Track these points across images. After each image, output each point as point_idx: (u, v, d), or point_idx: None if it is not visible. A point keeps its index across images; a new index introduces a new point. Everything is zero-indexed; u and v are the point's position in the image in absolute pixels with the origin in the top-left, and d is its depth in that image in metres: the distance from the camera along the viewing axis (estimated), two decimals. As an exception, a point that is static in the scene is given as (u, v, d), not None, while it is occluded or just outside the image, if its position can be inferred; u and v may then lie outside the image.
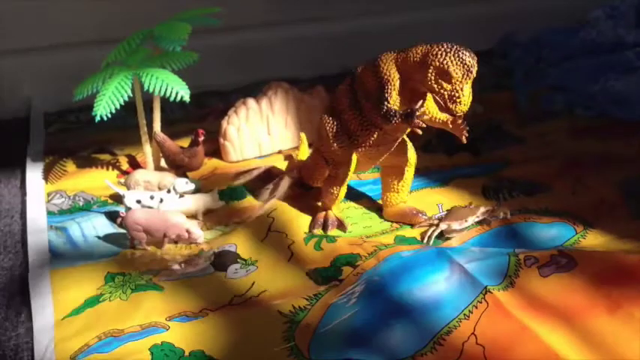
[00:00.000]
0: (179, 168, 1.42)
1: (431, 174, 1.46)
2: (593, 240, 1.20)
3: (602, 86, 1.75)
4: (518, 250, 1.14)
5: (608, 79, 1.76)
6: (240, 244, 1.24)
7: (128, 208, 1.30)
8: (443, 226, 1.25)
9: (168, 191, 1.33)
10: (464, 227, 1.25)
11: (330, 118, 1.25)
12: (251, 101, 1.56)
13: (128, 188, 1.38)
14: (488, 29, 2.06)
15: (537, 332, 0.97)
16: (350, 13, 2.00)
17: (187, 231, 1.24)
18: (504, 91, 1.84)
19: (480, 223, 1.27)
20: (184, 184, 1.32)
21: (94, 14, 1.85)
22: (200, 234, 1.25)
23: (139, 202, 1.32)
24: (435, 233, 1.24)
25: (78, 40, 1.85)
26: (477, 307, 1.02)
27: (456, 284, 1.07)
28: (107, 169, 1.54)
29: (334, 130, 1.24)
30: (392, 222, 1.31)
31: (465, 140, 1.17)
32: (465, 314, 1.01)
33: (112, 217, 1.35)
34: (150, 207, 1.31)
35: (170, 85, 1.31)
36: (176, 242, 1.26)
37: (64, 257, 1.24)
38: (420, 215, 1.30)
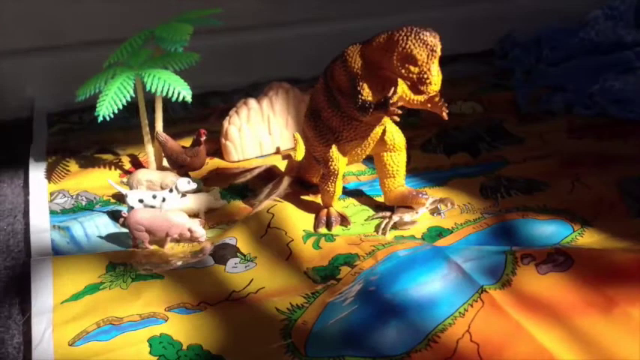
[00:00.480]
0: (181, 167, 1.43)
1: (430, 174, 1.47)
2: (590, 238, 1.21)
3: (602, 86, 1.75)
4: (515, 247, 1.14)
5: (608, 79, 1.76)
6: (239, 238, 1.25)
7: (131, 208, 1.31)
8: (395, 218, 1.28)
9: (171, 190, 1.34)
10: (415, 218, 1.28)
11: (312, 119, 1.26)
12: (252, 101, 1.57)
13: (131, 188, 1.38)
14: (488, 29, 2.06)
15: (532, 332, 0.97)
16: (350, 13, 2.00)
17: (189, 230, 1.25)
18: (504, 91, 1.85)
19: (431, 213, 1.30)
20: (186, 184, 1.33)
21: (96, 15, 1.85)
22: (202, 233, 1.26)
23: (141, 201, 1.33)
24: (389, 225, 1.27)
25: (80, 41, 1.86)
26: (472, 306, 1.02)
27: (452, 283, 1.07)
28: (109, 168, 1.55)
29: (317, 130, 1.26)
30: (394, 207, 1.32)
31: (445, 117, 1.18)
32: (460, 312, 1.02)
33: (115, 216, 1.36)
34: (152, 206, 1.32)
35: (172, 85, 1.32)
36: (178, 241, 1.27)
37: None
38: (421, 196, 1.30)
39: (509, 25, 2.07)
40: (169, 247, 1.26)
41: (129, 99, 1.33)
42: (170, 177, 1.40)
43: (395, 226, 1.28)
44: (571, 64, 1.88)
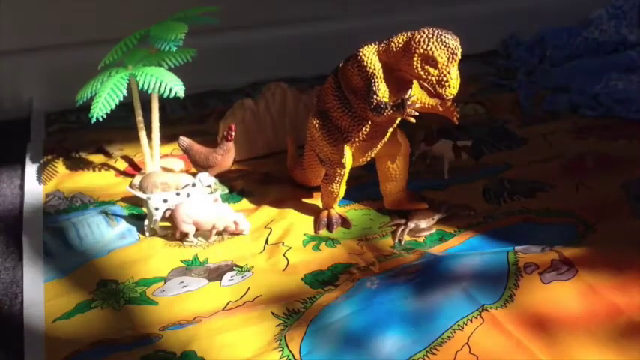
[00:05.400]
0: (211, 168, 1.40)
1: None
2: (594, 241, 1.19)
3: (605, 85, 1.74)
4: (518, 248, 1.12)
5: (611, 79, 1.75)
6: (235, 257, 1.22)
7: (156, 209, 1.29)
8: (411, 225, 1.26)
9: (194, 185, 1.32)
10: (431, 225, 1.27)
11: (319, 119, 1.25)
12: (249, 102, 1.56)
13: (144, 191, 1.36)
14: (491, 29, 2.05)
15: (533, 349, 0.95)
16: (350, 12, 1.99)
17: (235, 222, 1.25)
18: (507, 92, 1.83)
19: (445, 220, 1.28)
20: (208, 177, 1.32)
21: (94, 14, 1.85)
22: (247, 225, 1.26)
23: (165, 201, 1.29)
24: (405, 233, 1.25)
25: (78, 41, 1.85)
26: (471, 321, 1.00)
27: (452, 298, 1.04)
28: (106, 169, 1.53)
29: (325, 130, 1.24)
30: (394, 212, 1.31)
31: (456, 122, 1.17)
32: (459, 325, 0.99)
33: (107, 216, 1.34)
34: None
35: (164, 81, 1.30)
36: (220, 234, 1.27)
37: (59, 259, 1.24)
38: (422, 200, 1.29)
39: (512, 25, 2.06)
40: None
41: (121, 98, 1.30)
42: (184, 178, 1.38)
43: (411, 234, 1.26)
44: (574, 64, 1.88)
